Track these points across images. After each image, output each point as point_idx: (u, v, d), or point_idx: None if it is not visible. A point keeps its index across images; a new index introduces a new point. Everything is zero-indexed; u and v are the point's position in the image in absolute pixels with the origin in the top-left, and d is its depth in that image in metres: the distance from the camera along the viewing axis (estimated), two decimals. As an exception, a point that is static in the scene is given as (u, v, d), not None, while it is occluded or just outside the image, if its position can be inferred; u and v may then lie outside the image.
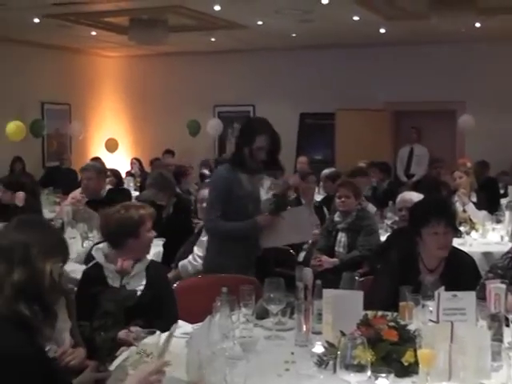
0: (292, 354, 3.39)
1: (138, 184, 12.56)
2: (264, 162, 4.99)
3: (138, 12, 11.26)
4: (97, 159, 12.25)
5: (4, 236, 2.73)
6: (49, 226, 3.04)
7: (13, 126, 12.93)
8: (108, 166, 10.36)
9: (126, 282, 4.19)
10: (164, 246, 6.50)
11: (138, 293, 4.21)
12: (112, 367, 3.18)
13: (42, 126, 14.32)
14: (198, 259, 5.77)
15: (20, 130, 13.04)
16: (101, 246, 4.43)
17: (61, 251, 2.81)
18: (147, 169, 14.11)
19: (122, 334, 3.79)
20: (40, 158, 15.11)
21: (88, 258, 5.44)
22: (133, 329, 3.77)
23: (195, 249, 5.85)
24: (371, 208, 7.91)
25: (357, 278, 4.08)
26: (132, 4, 10.63)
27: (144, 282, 4.26)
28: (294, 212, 5.01)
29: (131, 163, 14.46)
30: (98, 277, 4.22)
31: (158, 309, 4.15)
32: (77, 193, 7.45)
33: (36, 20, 11.59)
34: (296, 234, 5.12)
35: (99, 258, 4.31)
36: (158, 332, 3.40)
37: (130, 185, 12.06)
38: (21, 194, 7.90)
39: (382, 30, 12.42)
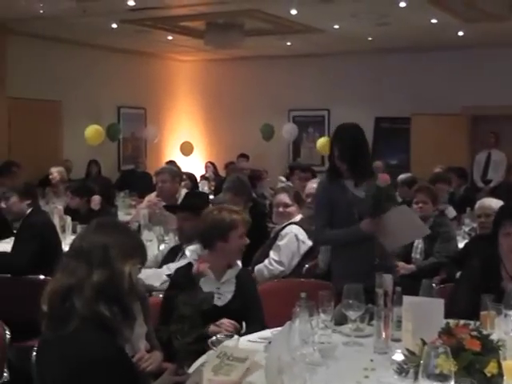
0: (371, 361, 3.34)
1: (212, 188, 12.62)
2: (349, 169, 4.83)
3: (214, 16, 11.32)
4: (171, 163, 12.36)
5: (83, 238, 2.76)
6: (127, 228, 3.07)
7: (92, 130, 13.14)
8: (183, 169, 10.44)
9: (217, 287, 4.18)
10: (240, 249, 6.49)
11: (227, 299, 4.19)
12: (190, 370, 3.18)
13: (118, 130, 14.52)
14: (274, 263, 5.76)
15: (99, 134, 13.24)
16: (193, 247, 4.44)
17: (139, 253, 2.82)
18: (221, 172, 14.18)
19: (212, 327, 3.78)
20: (116, 161, 15.33)
21: (163, 261, 5.51)
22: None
23: (271, 253, 5.84)
24: (451, 211, 7.78)
25: (434, 285, 4.00)
26: (208, 8, 10.68)
27: (233, 289, 4.24)
28: (397, 211, 4.80)
29: (205, 167, 14.56)
30: (188, 276, 4.22)
31: (246, 316, 4.14)
32: (152, 196, 7.53)
33: (114, 25, 11.76)
34: (408, 232, 4.87)
35: (192, 257, 4.30)
36: (236, 336, 3.39)
37: (204, 188, 12.12)
38: (96, 198, 8.06)
39: (461, 33, 12.21)
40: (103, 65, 14.26)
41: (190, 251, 4.48)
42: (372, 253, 4.72)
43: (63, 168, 10.98)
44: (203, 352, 3.46)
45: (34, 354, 3.30)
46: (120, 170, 15.12)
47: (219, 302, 4.16)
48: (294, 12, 10.59)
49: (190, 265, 4.34)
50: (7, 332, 3.78)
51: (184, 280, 4.18)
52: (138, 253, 2.80)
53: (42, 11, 8.79)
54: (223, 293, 4.20)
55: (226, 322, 3.88)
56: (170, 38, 13.26)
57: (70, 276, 2.63)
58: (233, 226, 4.25)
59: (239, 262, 4.44)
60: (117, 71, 14.58)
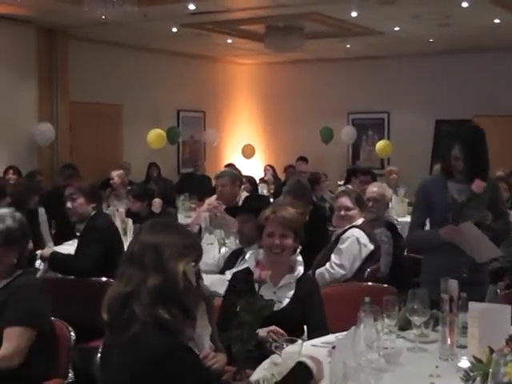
0: (436, 367, 3.29)
1: (272, 191, 12.61)
2: (466, 170, 4.59)
3: (274, 19, 11.32)
4: (231, 166, 12.39)
5: (135, 243, 2.76)
6: (177, 226, 3.02)
7: (154, 134, 13.25)
8: (242, 172, 10.45)
9: (273, 291, 4.14)
10: (301, 253, 6.46)
11: (283, 304, 4.14)
12: (253, 375, 3.17)
13: (178, 133, 14.61)
14: (336, 267, 5.72)
15: (161, 138, 13.35)
16: (255, 251, 4.42)
17: (192, 251, 2.78)
18: (280, 175, 14.18)
19: (262, 331, 3.73)
20: (175, 164, 15.44)
21: (225, 264, 5.51)
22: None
23: (333, 256, 5.80)
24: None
25: (498, 291, 3.93)
26: (268, 12, 10.69)
27: (291, 294, 4.16)
28: (467, 226, 4.62)
29: (265, 170, 14.56)
30: (245, 281, 4.15)
31: (306, 321, 4.10)
32: (213, 199, 7.55)
33: (174, 29, 11.85)
34: (481, 250, 4.59)
35: (251, 263, 4.26)
36: (299, 341, 3.36)
37: (263, 191, 12.11)
38: (157, 201, 8.12)
39: (524, 33, 12.01)
40: (163, 69, 14.37)
41: (251, 255, 4.45)
42: (460, 265, 4.53)
43: (123, 171, 11.09)
44: (264, 357, 3.45)
45: (98, 355, 3.34)
46: (179, 173, 15.22)
47: (275, 307, 4.11)
48: (354, 14, 10.55)
49: (247, 269, 4.28)
50: (72, 333, 3.82)
51: (242, 285, 4.13)
52: (191, 251, 2.77)
53: (103, 17, 8.88)
54: (280, 298, 4.13)
55: (272, 329, 3.82)
56: (229, 41, 13.31)
57: (127, 283, 2.64)
58: (263, 223, 4.21)
59: (301, 268, 4.37)
60: (177, 75, 14.69)
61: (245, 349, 3.22)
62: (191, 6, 9.97)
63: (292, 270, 4.25)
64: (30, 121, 11.48)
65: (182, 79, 14.79)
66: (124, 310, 2.60)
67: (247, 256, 4.49)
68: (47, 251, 5.70)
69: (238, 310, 3.40)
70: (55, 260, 5.60)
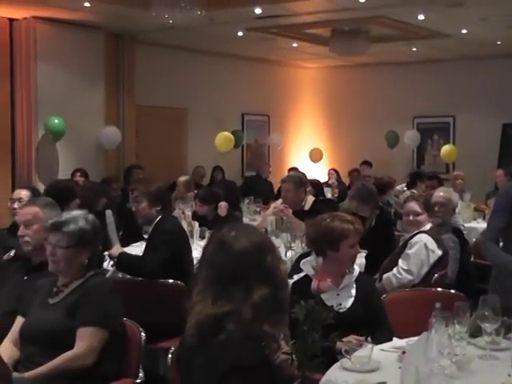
0: (509, 375, 3.24)
1: (336, 195, 12.58)
2: None
3: (339, 23, 11.30)
4: (294, 169, 12.40)
5: (227, 257, 2.68)
6: (258, 230, 3.00)
7: (222, 137, 13.33)
8: (308, 176, 10.44)
9: (336, 293, 4.14)
10: (366, 257, 6.44)
11: (348, 305, 4.14)
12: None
13: (242, 137, 14.67)
14: (403, 272, 5.68)
15: (228, 141, 13.42)
16: (309, 258, 4.43)
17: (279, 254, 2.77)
18: (344, 180, 14.12)
19: (339, 344, 3.71)
20: (239, 167, 15.50)
21: (292, 268, 5.51)
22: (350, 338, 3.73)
23: (400, 262, 5.76)
24: None
25: None
26: (334, 15, 10.66)
27: (354, 294, 4.18)
28: None
29: (329, 173, 14.50)
30: (306, 289, 4.15)
31: (370, 322, 4.09)
32: (279, 202, 7.56)
33: (240, 33, 11.90)
34: None
35: (307, 270, 4.29)
36: (370, 345, 3.36)
37: (327, 195, 12.09)
38: (223, 205, 8.17)
39: None
40: (228, 72, 14.45)
41: (306, 262, 4.45)
42: None
43: (189, 176, 11.19)
44: (333, 361, 3.45)
45: (170, 357, 3.38)
46: (243, 176, 15.27)
47: (340, 308, 4.11)
48: (421, 17, 10.44)
49: (306, 277, 4.29)
50: (142, 334, 3.87)
51: (302, 295, 4.13)
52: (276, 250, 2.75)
53: (171, 21, 8.97)
54: (343, 299, 4.14)
55: (352, 339, 3.81)
56: (294, 45, 13.32)
57: (226, 302, 2.58)
58: (343, 235, 4.19)
59: (356, 267, 4.37)
60: (242, 79, 14.75)
61: (309, 355, 3.20)
62: (258, 10, 9.99)
63: (347, 271, 4.27)
64: (97, 124, 11.64)
65: (246, 83, 14.85)
66: (217, 329, 2.56)
67: (302, 264, 4.49)
68: (116, 251, 5.76)
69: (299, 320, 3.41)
70: (123, 261, 5.67)
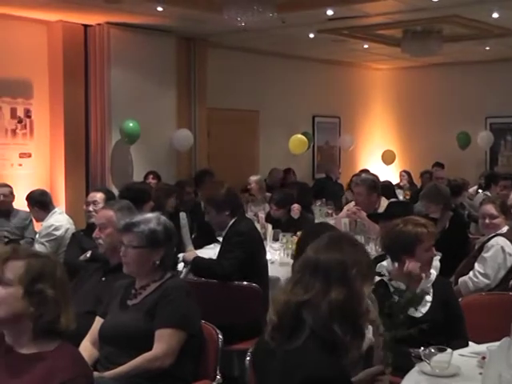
0: None
1: (408, 197, 12.46)
2: None
3: (411, 24, 11.17)
4: (365, 171, 12.31)
5: (318, 252, 2.71)
6: (361, 244, 2.99)
7: (296, 140, 13.36)
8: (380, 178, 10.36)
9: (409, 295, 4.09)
10: (440, 260, 6.36)
11: (425, 310, 4.09)
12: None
13: (312, 139, 14.65)
14: (480, 276, 5.60)
15: (303, 144, 13.43)
16: (384, 263, 4.40)
17: (372, 272, 2.78)
18: (416, 182, 13.98)
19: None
20: (310, 170, 15.48)
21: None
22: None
23: (476, 265, 5.68)
24: None
25: None
26: (406, 16, 10.56)
27: (430, 299, 4.14)
28: None
29: (400, 175, 14.39)
30: (383, 294, 4.13)
31: (447, 328, 4.03)
32: (351, 205, 7.52)
33: (311, 35, 11.88)
34: None
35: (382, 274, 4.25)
36: (449, 350, 3.32)
37: (399, 197, 11.98)
38: (296, 207, 8.17)
39: None
40: (299, 74, 14.44)
41: (381, 266, 4.40)
42: None
43: (261, 177, 11.23)
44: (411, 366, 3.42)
45: (248, 359, 3.39)
46: (314, 178, 15.25)
47: (416, 313, 4.05)
48: (495, 15, 10.27)
49: (381, 282, 4.22)
50: (220, 336, 3.89)
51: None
52: (372, 272, 2.77)
53: (242, 24, 9.00)
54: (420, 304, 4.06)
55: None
56: (366, 46, 13.24)
57: (306, 291, 2.61)
58: (418, 239, 4.17)
59: (433, 271, 4.32)
60: (312, 80, 14.73)
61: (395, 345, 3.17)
62: (329, 12, 9.97)
63: (426, 274, 4.22)
64: (169, 127, 11.76)
65: (317, 85, 14.83)
66: (295, 316, 2.59)
67: (377, 268, 4.44)
68: (190, 255, 5.82)
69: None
70: (198, 264, 5.72)
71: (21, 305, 2.80)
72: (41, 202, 7.86)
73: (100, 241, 4.59)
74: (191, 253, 5.93)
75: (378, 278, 4.39)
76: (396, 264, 4.25)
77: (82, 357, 2.94)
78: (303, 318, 2.58)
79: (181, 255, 5.85)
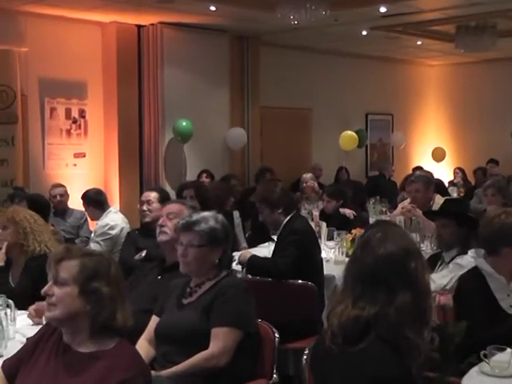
0: None
1: (462, 194, 12.32)
2: None
3: (465, 19, 11.03)
4: (419, 169, 12.20)
5: (368, 257, 2.65)
6: (405, 233, 2.93)
7: (346, 136, 13.31)
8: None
9: (507, 294, 3.98)
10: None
11: None
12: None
13: (365, 137, 14.57)
14: None
15: (353, 141, 13.38)
16: (463, 261, 4.32)
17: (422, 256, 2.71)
18: (470, 178, 13.82)
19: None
20: (363, 167, 15.41)
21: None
22: None
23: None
24: None
25: None
26: (460, 11, 10.43)
27: None
28: None
29: (454, 172, 14.24)
30: (479, 286, 4.05)
31: None
32: (406, 202, 7.46)
33: (364, 32, 11.83)
34: None
35: (486, 267, 4.13)
36: (508, 349, 3.26)
37: (452, 195, 11.84)
38: (348, 211, 8.14)
39: None
40: (352, 72, 14.38)
41: (455, 264, 4.33)
42: None
43: (312, 175, 11.20)
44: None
45: (305, 358, 3.37)
46: (367, 176, 15.17)
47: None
48: (551, 10, 10.11)
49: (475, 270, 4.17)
50: (276, 334, 3.88)
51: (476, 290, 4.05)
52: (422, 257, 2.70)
53: (295, 22, 8.97)
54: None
55: None
56: (419, 42, 13.12)
57: (371, 304, 2.55)
58: None
59: None
60: (365, 78, 14.65)
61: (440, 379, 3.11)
62: (382, 9, 9.90)
63: None
64: (222, 126, 11.79)
65: (370, 82, 14.74)
66: (362, 329, 2.53)
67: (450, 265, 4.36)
68: (245, 255, 5.83)
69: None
70: (253, 263, 5.72)
71: (77, 304, 2.82)
72: (96, 201, 7.93)
73: (166, 229, 4.51)
74: (246, 252, 5.92)
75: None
76: (490, 258, 4.13)
77: (140, 355, 2.95)
78: (371, 328, 2.52)
79: (236, 254, 5.83)
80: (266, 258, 5.82)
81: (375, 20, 10.78)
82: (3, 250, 4.95)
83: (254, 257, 5.79)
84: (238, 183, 10.80)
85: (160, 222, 4.61)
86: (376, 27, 11.38)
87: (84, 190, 8.18)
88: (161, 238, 4.56)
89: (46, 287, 2.91)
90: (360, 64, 14.52)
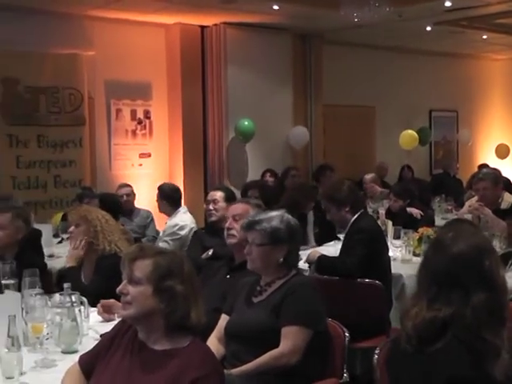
0: None
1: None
2: None
3: (532, 12, 10.85)
4: (485, 166, 12.01)
5: (440, 257, 2.59)
6: (478, 229, 2.87)
7: (406, 135, 13.20)
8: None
9: None
10: None
11: None
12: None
13: (429, 134, 14.42)
14: None
15: (413, 140, 13.27)
16: None
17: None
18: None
19: None
20: (427, 165, 15.24)
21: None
22: None
23: None
24: None
25: None
26: (528, 3, 10.25)
27: None
28: None
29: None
30: None
31: None
32: (473, 200, 7.35)
33: (428, 28, 11.71)
34: None
35: None
36: None
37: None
38: (415, 211, 8.08)
39: None
40: (415, 68, 14.23)
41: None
42: None
43: (375, 174, 11.14)
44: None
45: (376, 357, 3.34)
46: (431, 174, 15.00)
47: None
48: None
49: None
50: (346, 333, 3.86)
51: None
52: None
53: (357, 19, 8.94)
54: None
55: None
56: (484, 36, 12.91)
57: (446, 305, 2.50)
58: None
59: None
60: (429, 74, 14.48)
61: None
62: (447, 3, 9.79)
63: None
64: (285, 125, 11.79)
65: (434, 78, 14.56)
66: (438, 331, 2.49)
67: None
68: (314, 254, 5.82)
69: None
70: (322, 262, 5.72)
71: (151, 302, 2.86)
72: (171, 198, 8.02)
73: (233, 231, 4.56)
74: (315, 251, 5.92)
75: None
76: None
77: (214, 354, 2.97)
78: (447, 329, 2.48)
79: (303, 254, 5.79)
80: (334, 257, 5.80)
81: (439, 15, 10.65)
82: (80, 250, 5.03)
83: (323, 256, 5.79)
84: (297, 174, 10.81)
85: (227, 224, 4.65)
86: (440, 22, 11.25)
87: (149, 190, 8.25)
88: (229, 241, 4.61)
89: (120, 286, 2.95)
90: (424, 60, 14.35)
